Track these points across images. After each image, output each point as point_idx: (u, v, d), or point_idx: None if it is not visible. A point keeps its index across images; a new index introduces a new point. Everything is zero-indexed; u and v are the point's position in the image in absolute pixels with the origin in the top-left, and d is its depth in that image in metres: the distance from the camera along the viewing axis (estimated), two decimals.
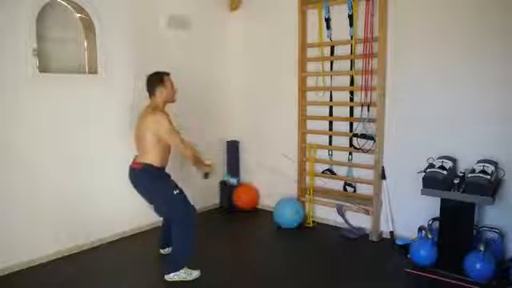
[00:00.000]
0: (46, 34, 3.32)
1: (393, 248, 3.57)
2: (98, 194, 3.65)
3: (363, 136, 3.80)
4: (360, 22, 3.74)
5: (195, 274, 3.04)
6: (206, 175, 3.20)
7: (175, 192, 3.02)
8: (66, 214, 3.43)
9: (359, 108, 3.79)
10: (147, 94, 3.12)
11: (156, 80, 3.07)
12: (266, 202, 4.71)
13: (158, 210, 3.20)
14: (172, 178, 3.16)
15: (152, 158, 2.99)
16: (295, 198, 4.31)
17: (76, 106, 3.47)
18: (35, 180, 3.26)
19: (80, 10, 3.49)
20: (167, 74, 3.12)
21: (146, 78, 3.10)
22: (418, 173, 3.25)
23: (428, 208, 3.38)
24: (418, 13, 3.46)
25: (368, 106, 3.73)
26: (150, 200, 3.14)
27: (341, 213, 4.02)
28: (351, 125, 3.91)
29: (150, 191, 3.08)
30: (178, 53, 4.26)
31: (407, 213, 3.64)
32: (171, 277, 2.99)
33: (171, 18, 4.15)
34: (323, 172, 4.21)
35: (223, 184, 4.82)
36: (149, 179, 3.02)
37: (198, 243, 3.09)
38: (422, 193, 3.11)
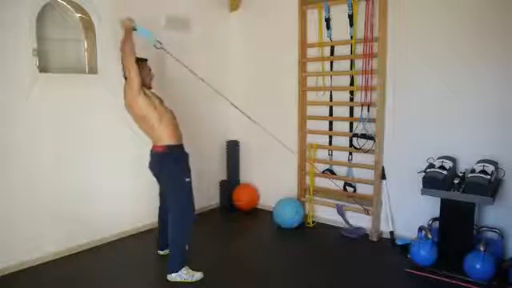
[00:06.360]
0: (46, 34, 3.32)
1: (393, 248, 3.57)
2: (98, 194, 3.65)
3: (363, 136, 3.80)
4: (360, 22, 3.74)
5: (197, 275, 3.02)
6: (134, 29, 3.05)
7: (187, 179, 3.02)
8: (65, 214, 3.43)
9: (359, 108, 3.79)
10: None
11: None
12: (266, 202, 4.71)
13: (164, 195, 3.19)
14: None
15: (164, 135, 2.98)
16: (295, 198, 4.31)
17: (76, 106, 3.46)
18: (35, 180, 3.25)
19: (80, 10, 3.49)
20: (143, 60, 3.10)
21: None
22: (418, 173, 3.25)
23: (428, 208, 3.39)
24: (417, 13, 3.46)
25: (368, 106, 3.73)
26: (163, 183, 3.13)
27: (341, 213, 4.02)
28: (351, 125, 3.91)
29: (167, 174, 3.03)
30: (178, 53, 4.25)
31: (407, 213, 3.64)
32: (173, 277, 2.98)
33: (171, 19, 4.15)
34: (323, 172, 4.21)
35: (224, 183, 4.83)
36: (170, 162, 3.00)
37: (197, 243, 3.08)
38: (422, 193, 3.11)
